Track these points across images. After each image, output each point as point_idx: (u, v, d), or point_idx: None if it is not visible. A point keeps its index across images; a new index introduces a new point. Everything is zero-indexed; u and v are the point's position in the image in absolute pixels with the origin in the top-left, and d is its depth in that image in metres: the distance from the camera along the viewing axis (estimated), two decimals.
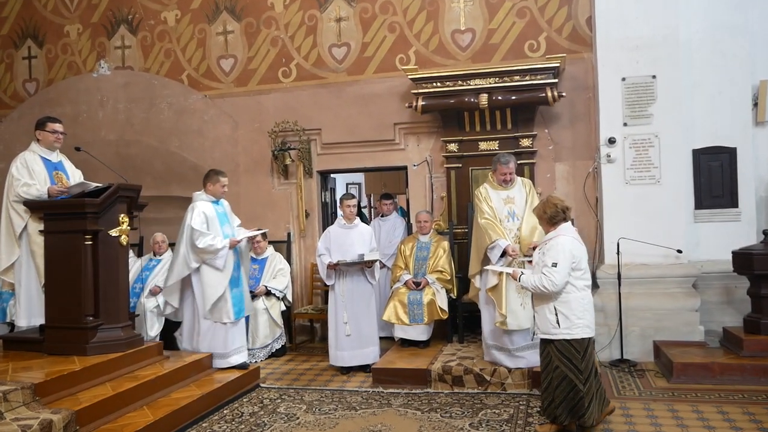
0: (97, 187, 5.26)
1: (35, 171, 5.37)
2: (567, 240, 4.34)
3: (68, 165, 5.74)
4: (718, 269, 6.50)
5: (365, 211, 11.99)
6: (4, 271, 5.43)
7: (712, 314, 6.54)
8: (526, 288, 4.48)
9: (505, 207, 5.75)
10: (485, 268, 5.47)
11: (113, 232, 5.23)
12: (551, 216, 4.43)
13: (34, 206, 5.26)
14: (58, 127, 5.58)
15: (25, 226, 5.32)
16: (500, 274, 5.39)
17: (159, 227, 8.08)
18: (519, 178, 6.00)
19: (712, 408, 4.87)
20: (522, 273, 4.49)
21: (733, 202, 6.62)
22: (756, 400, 5.03)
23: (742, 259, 5.92)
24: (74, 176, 5.70)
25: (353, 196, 6.68)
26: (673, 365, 5.61)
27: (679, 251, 6.29)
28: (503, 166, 5.78)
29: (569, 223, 4.50)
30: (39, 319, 5.33)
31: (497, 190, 5.84)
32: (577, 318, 4.29)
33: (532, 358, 5.43)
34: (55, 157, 5.61)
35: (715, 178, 6.65)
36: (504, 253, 5.50)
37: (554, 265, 4.23)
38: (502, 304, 5.45)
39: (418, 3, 7.66)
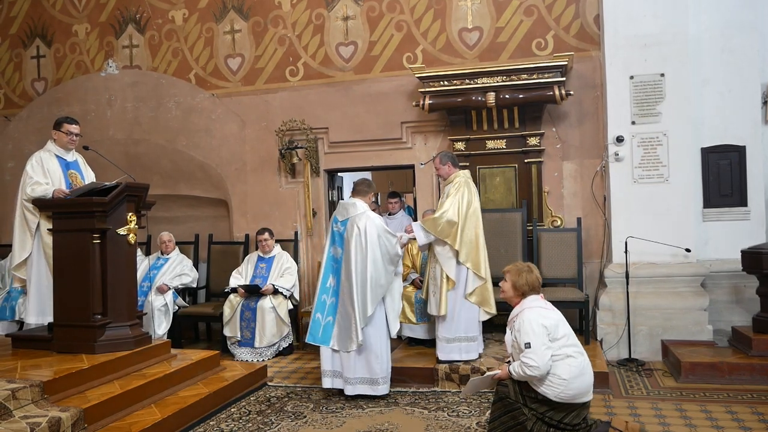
0: (104, 185, 5.28)
1: (50, 170, 5.41)
2: (532, 313, 3.90)
3: (83, 165, 5.77)
4: (726, 268, 6.47)
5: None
6: (16, 267, 5.46)
7: (720, 313, 6.51)
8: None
9: (440, 200, 6.01)
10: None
11: (121, 231, 5.25)
12: (524, 291, 4.04)
13: (42, 205, 5.28)
14: (73, 128, 5.60)
15: (38, 224, 5.35)
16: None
17: (167, 226, 8.13)
18: (457, 180, 5.84)
19: (721, 408, 4.85)
20: (510, 368, 3.95)
21: (742, 201, 6.58)
22: (765, 399, 5.01)
23: (751, 258, 5.89)
24: (88, 176, 5.74)
25: None
26: (681, 365, 5.59)
27: (688, 250, 6.26)
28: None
29: (535, 294, 4.06)
30: (49, 317, 5.35)
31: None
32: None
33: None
34: (71, 156, 5.65)
35: (723, 176, 6.61)
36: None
37: (527, 345, 3.80)
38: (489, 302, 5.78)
39: (425, 1, 7.64)
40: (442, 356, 5.76)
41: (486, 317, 5.76)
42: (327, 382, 5.46)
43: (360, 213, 5.46)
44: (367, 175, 11.56)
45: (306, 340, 5.60)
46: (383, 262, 5.38)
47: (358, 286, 5.32)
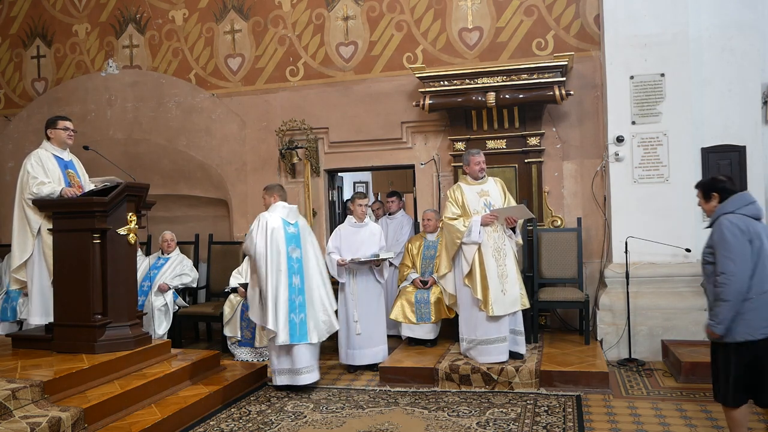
0: (105, 185, 5.28)
1: (49, 169, 5.37)
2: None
3: (78, 165, 5.76)
4: None
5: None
6: (16, 269, 5.39)
7: None
8: None
9: (480, 199, 5.98)
10: None
11: (121, 231, 5.25)
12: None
13: (43, 205, 5.27)
14: (69, 124, 5.59)
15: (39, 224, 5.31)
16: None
17: (167, 225, 8.12)
18: (490, 177, 6.18)
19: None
20: None
21: None
22: None
23: None
24: (84, 177, 5.72)
25: (365, 196, 6.68)
26: (681, 365, 5.58)
27: (688, 250, 6.26)
28: (476, 156, 6.06)
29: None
30: (52, 317, 5.32)
31: (471, 185, 6.06)
32: None
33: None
34: (67, 155, 5.63)
35: None
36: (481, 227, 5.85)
37: None
38: (477, 289, 5.74)
39: (425, 1, 7.64)
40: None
41: None
42: (281, 380, 5.67)
43: (300, 215, 6.08)
44: (367, 175, 11.66)
45: (290, 342, 5.54)
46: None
47: (323, 276, 5.86)
